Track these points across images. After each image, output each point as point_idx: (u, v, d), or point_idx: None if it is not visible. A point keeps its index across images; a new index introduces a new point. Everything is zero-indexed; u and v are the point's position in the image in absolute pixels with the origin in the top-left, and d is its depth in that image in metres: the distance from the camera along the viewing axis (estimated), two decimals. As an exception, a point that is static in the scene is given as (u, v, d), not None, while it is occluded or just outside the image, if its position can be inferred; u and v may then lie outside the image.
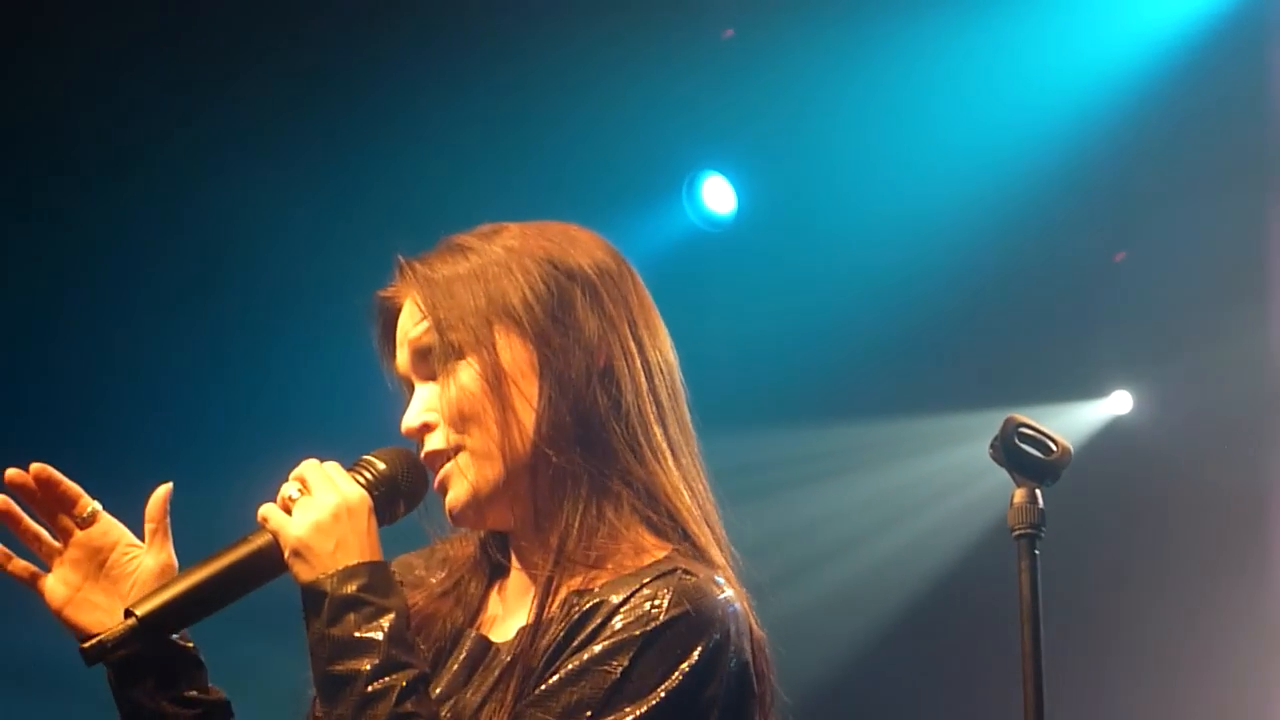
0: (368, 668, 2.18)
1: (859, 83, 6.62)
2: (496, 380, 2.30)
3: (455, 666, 2.33)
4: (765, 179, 6.88)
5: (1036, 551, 2.54)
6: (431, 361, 2.36)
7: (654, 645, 2.19)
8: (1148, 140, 6.66)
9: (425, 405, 2.36)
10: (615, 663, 2.18)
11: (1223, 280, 6.78)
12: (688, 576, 2.24)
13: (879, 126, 6.66)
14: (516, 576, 2.39)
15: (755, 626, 2.31)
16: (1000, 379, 6.79)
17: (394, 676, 2.18)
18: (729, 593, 2.27)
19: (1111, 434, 6.95)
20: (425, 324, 2.35)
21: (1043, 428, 2.57)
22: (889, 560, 7.05)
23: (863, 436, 7.02)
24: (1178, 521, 6.87)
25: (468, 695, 2.30)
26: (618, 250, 2.44)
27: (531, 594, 2.32)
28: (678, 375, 2.42)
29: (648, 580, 2.23)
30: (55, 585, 2.42)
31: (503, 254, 2.36)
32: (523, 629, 2.28)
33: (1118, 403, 7.00)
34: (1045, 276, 6.86)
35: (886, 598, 7.06)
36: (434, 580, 2.45)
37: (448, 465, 2.34)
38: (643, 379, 2.36)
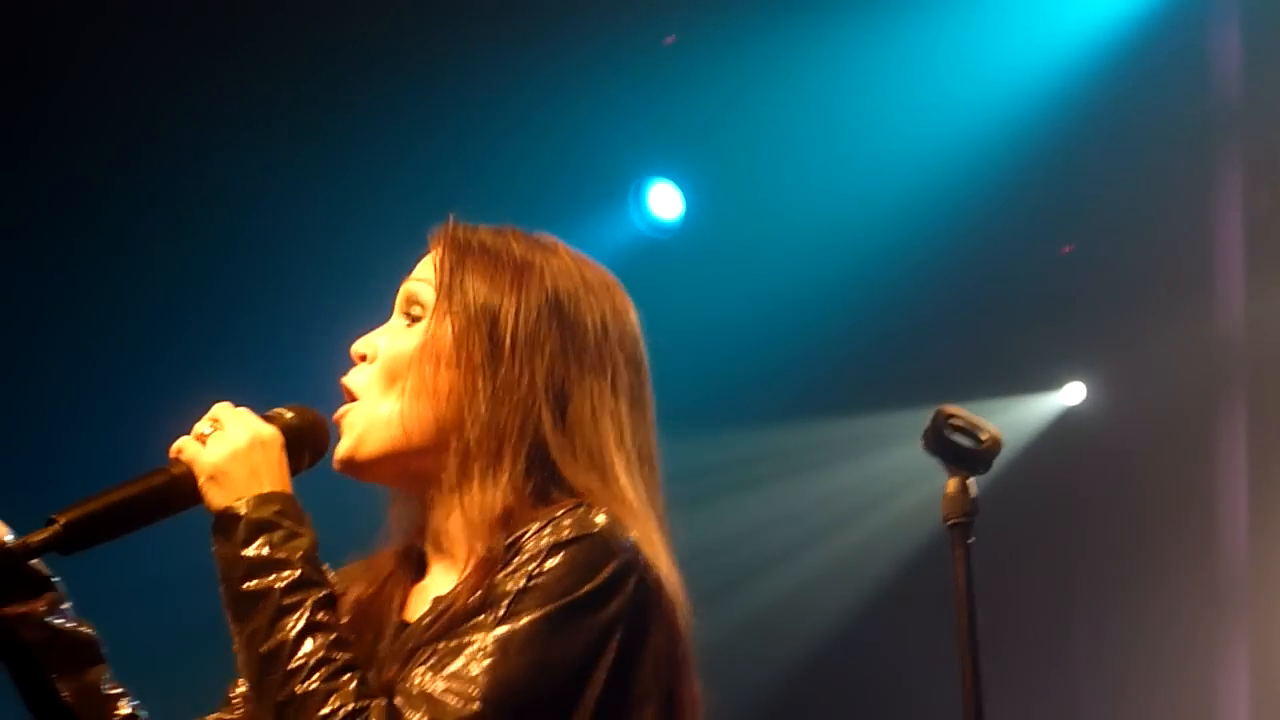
0: (283, 584, 2.22)
1: (801, 84, 6.63)
2: (435, 357, 2.35)
3: (382, 654, 2.33)
4: (710, 184, 6.88)
5: (970, 539, 2.53)
6: (409, 310, 2.41)
7: (558, 562, 2.22)
8: (1093, 132, 6.69)
9: (376, 338, 2.42)
10: (517, 577, 2.22)
11: (1171, 269, 6.82)
12: (592, 509, 2.26)
13: (822, 126, 6.67)
14: (436, 568, 2.40)
15: (674, 592, 2.29)
16: (953, 374, 6.80)
17: (308, 591, 2.22)
18: (633, 533, 2.27)
19: (1065, 425, 6.97)
20: (428, 278, 2.41)
21: (972, 417, 2.55)
22: (842, 559, 7.04)
23: (813, 437, 7.03)
24: (1131, 510, 6.89)
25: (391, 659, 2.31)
26: (640, 335, 2.44)
27: (448, 577, 2.34)
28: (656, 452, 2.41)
29: (555, 515, 2.25)
30: None
31: (533, 270, 2.39)
32: (436, 598, 2.31)
33: (1071, 394, 7.03)
34: (995, 271, 6.88)
35: (840, 597, 7.06)
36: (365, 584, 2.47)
37: (345, 411, 2.39)
38: (610, 433, 2.35)
